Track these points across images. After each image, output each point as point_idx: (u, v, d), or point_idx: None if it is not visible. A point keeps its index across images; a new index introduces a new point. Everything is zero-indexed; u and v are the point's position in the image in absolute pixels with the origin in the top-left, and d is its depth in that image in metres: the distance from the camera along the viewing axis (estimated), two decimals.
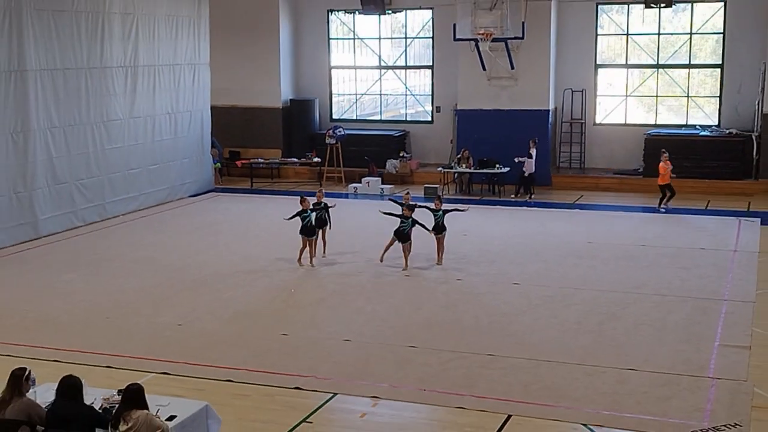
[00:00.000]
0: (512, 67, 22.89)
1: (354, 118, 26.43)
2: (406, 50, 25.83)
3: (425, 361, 10.57)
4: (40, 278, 14.55)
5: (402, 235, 14.85)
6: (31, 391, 7.48)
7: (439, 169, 23.11)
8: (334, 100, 26.62)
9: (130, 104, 19.95)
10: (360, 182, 23.05)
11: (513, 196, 21.72)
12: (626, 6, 23.62)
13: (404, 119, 26.29)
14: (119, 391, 7.52)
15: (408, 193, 16.11)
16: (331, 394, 9.62)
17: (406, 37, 25.80)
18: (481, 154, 22.46)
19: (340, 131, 24.00)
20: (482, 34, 22.01)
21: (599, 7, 23.73)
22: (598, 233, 17.69)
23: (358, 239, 16.90)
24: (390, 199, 15.33)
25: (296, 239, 15.15)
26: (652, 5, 22.70)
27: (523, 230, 18.04)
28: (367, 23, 25.96)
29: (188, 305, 12.95)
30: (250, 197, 22.39)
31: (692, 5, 23.09)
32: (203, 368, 10.35)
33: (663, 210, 19.65)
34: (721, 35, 23.00)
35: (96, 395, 7.73)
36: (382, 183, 23.04)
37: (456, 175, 23.07)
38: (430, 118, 25.68)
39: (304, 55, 26.23)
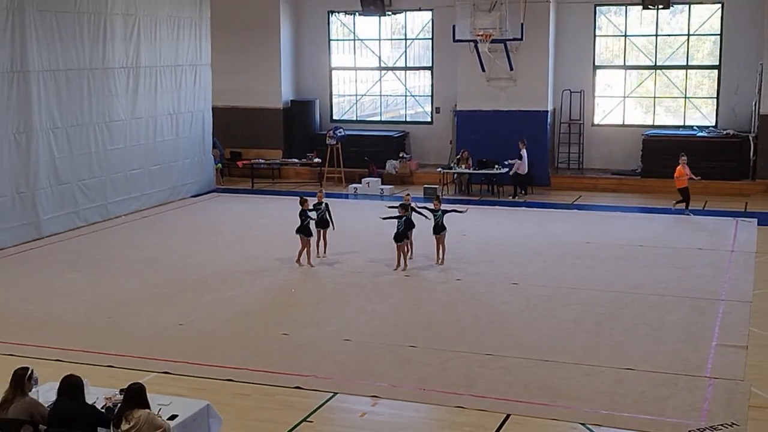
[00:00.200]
0: (511, 68, 22.97)
1: (354, 118, 26.50)
2: (406, 51, 25.90)
3: (425, 361, 10.64)
4: (43, 278, 14.62)
5: (396, 235, 14.95)
6: (33, 390, 7.53)
7: (439, 169, 23.18)
8: (334, 101, 26.69)
9: (132, 105, 20.03)
10: (360, 183, 23.12)
11: (511, 197, 21.80)
12: (624, 7, 23.68)
13: (404, 120, 26.35)
14: (121, 391, 7.57)
15: (408, 194, 16.19)
16: (331, 394, 9.68)
17: (405, 39, 25.87)
18: (481, 154, 22.53)
19: (340, 132, 24.07)
20: (481, 35, 22.08)
21: (597, 8, 23.80)
22: (597, 233, 17.76)
23: (358, 239, 16.97)
24: (386, 218, 15.30)
25: (296, 239, 15.21)
26: (650, 7, 22.80)
27: (521, 230, 18.11)
28: (367, 24, 26.02)
29: (189, 305, 13.02)
30: (251, 197, 22.45)
31: (690, 7, 23.16)
32: (204, 368, 10.42)
33: (689, 213, 19.17)
34: (719, 36, 23.08)
35: (98, 394, 7.78)
36: (382, 183, 23.12)
37: (455, 175, 23.15)
38: (429, 119, 25.75)
39: (305, 56, 26.30)
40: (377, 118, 26.50)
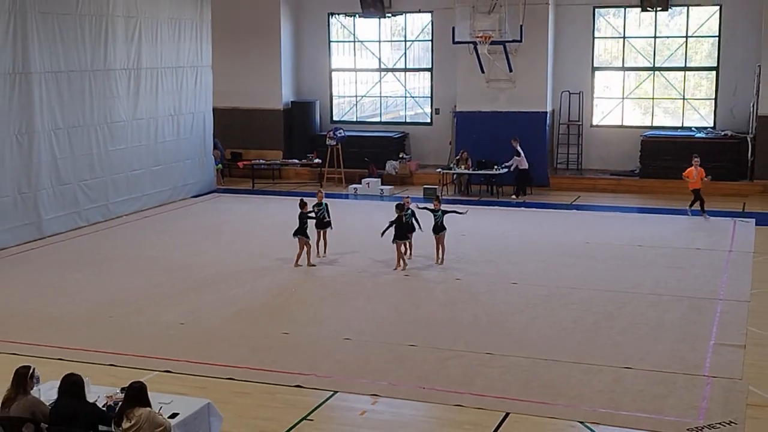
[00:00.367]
0: (510, 70, 23.02)
1: (354, 119, 26.56)
2: (405, 53, 25.95)
3: (424, 360, 10.69)
4: (44, 278, 14.67)
5: (395, 236, 14.99)
6: (35, 388, 7.56)
7: (438, 170, 23.23)
8: (334, 102, 26.75)
9: (134, 106, 20.09)
10: (360, 183, 23.18)
11: (514, 197, 21.86)
12: (623, 9, 23.73)
13: (404, 121, 26.40)
14: (122, 389, 7.62)
15: (408, 197, 16.18)
16: (332, 392, 9.72)
17: (405, 40, 25.93)
18: (480, 155, 22.58)
19: (340, 133, 24.13)
20: (481, 37, 22.12)
21: (596, 10, 23.84)
22: (595, 233, 17.81)
23: (358, 239, 17.01)
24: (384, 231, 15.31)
25: (295, 241, 15.17)
26: (649, 8, 22.86)
27: (521, 230, 18.17)
28: (367, 26, 26.09)
29: (190, 304, 13.07)
30: (252, 198, 22.50)
31: (688, 9, 23.20)
32: (205, 366, 10.47)
33: (706, 216, 18.95)
34: (717, 38, 23.12)
35: (99, 393, 7.82)
36: (382, 184, 23.18)
37: (455, 176, 23.20)
38: (429, 120, 25.81)
39: (305, 58, 26.35)
40: (377, 119, 26.56)
